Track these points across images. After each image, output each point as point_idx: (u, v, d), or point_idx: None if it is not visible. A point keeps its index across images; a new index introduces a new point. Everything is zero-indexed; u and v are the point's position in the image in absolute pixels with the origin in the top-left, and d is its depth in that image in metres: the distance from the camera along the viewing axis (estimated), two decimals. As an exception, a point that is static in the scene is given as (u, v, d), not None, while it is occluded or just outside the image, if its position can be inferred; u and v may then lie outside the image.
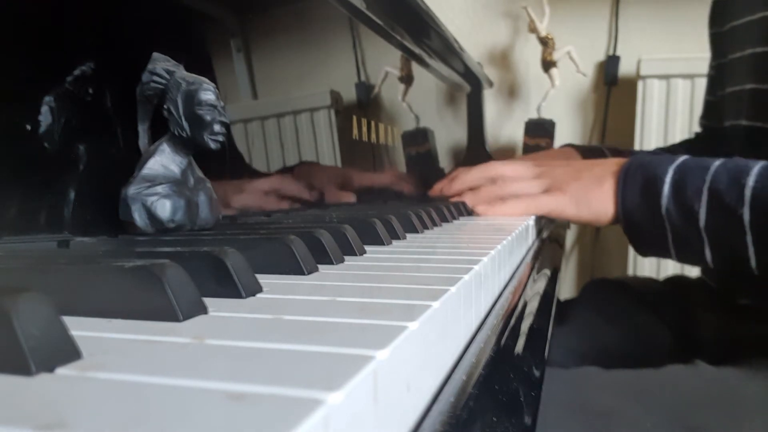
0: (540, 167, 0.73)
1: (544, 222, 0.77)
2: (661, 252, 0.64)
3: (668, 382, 0.57)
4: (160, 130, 0.35)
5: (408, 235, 0.45)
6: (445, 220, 0.60)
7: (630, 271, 1.64)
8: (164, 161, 0.34)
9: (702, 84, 1.54)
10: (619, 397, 0.53)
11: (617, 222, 0.65)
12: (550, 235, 0.74)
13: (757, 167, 0.57)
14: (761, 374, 0.57)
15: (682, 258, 0.63)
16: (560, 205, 0.67)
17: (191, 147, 0.35)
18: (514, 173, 0.73)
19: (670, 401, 0.53)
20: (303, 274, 0.28)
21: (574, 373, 0.58)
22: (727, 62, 0.85)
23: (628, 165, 0.64)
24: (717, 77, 0.92)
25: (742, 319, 0.72)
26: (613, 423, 0.50)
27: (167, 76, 0.34)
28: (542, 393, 0.26)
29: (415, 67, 0.91)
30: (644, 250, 0.67)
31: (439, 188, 0.79)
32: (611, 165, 0.67)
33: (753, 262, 0.57)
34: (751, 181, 0.56)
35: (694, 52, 1.56)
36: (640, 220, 0.63)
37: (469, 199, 0.72)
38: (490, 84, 1.37)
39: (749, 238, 0.56)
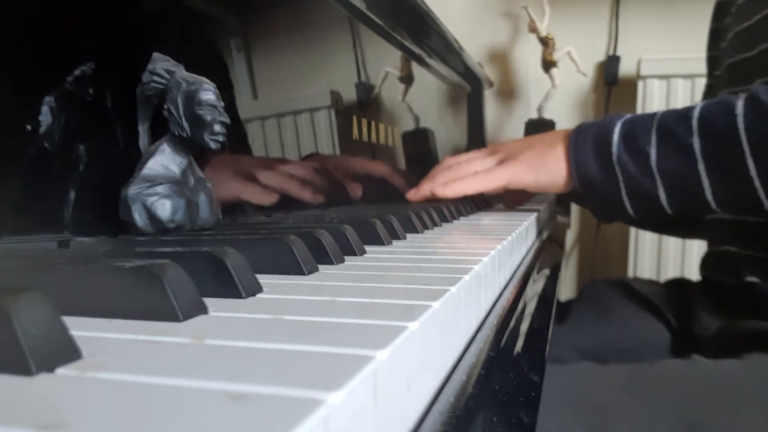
0: (491, 147, 0.75)
1: (544, 222, 0.77)
2: (616, 208, 0.65)
3: (665, 375, 0.57)
4: (160, 130, 0.35)
5: (408, 235, 0.45)
6: (445, 220, 0.60)
7: (630, 272, 1.64)
8: (164, 161, 0.34)
9: (702, 84, 1.55)
10: (617, 391, 0.53)
11: (574, 186, 0.66)
12: (550, 235, 0.74)
13: (701, 103, 0.60)
14: (758, 367, 0.57)
15: (638, 210, 0.64)
16: (517, 174, 0.68)
17: (191, 147, 0.35)
18: (467, 157, 0.74)
19: (668, 395, 0.53)
20: (303, 274, 0.28)
21: (572, 368, 0.58)
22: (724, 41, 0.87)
23: (577, 127, 0.67)
24: (714, 58, 0.95)
25: (743, 319, 0.72)
26: (611, 417, 0.50)
27: (167, 76, 0.34)
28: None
29: (415, 67, 0.91)
30: (602, 211, 0.68)
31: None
32: (562, 132, 0.69)
33: (709, 194, 0.58)
34: (696, 113, 0.59)
35: (694, 52, 1.55)
36: (593, 173, 0.64)
37: (426, 187, 0.71)
38: (490, 84, 1.37)
39: (702, 167, 0.57)
